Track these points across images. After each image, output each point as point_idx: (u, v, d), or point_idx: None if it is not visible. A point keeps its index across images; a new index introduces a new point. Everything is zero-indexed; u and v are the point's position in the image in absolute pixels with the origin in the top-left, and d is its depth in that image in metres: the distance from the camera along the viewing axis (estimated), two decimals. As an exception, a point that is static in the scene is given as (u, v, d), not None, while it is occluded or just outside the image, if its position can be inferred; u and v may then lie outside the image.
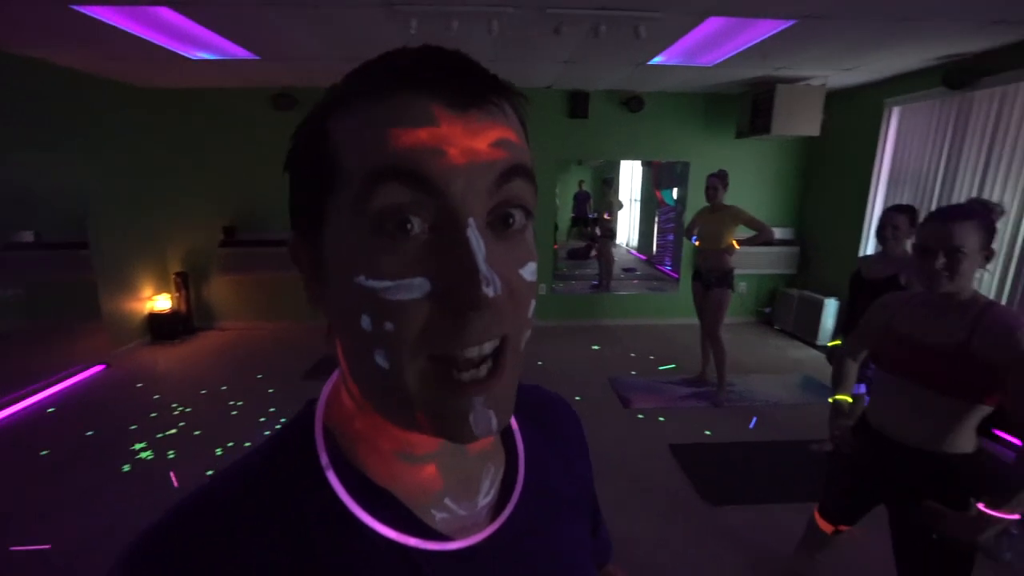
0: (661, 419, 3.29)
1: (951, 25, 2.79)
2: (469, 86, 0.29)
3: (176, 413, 3.26)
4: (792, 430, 3.11)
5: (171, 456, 2.76)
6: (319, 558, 0.32)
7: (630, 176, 9.12)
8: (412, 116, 0.27)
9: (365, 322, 0.29)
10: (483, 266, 0.27)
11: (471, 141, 0.28)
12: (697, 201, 4.57)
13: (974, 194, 3.48)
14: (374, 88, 0.29)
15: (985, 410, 1.27)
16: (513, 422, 0.45)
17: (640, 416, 3.38)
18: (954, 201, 3.62)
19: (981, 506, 1.20)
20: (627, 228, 9.42)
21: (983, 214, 1.24)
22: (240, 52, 3.40)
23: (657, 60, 3.57)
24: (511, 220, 0.30)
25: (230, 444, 2.88)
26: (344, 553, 0.33)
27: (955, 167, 3.61)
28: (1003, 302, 3.30)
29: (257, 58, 3.55)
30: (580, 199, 8.99)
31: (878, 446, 1.42)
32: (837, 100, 4.58)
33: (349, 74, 0.31)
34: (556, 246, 7.31)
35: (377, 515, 0.34)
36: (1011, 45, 3.12)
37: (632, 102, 4.75)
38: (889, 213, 2.61)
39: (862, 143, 4.40)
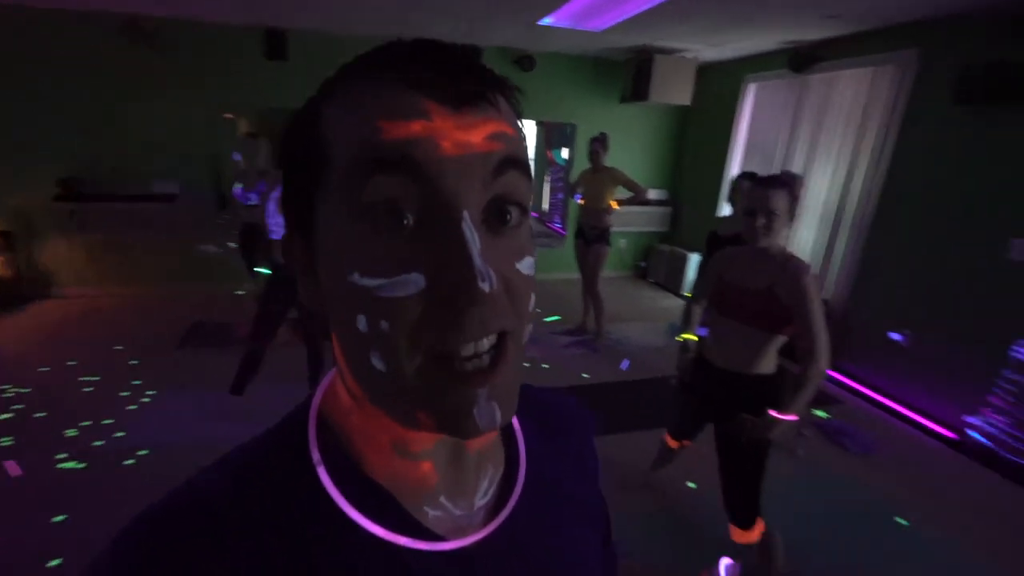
0: (545, 366, 3.55)
1: (796, 14, 3.17)
2: (464, 85, 0.28)
3: (9, 396, 2.83)
4: (658, 369, 3.53)
5: (7, 443, 2.43)
6: (309, 556, 0.31)
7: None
8: (404, 109, 0.27)
9: (361, 323, 0.28)
10: (478, 260, 0.26)
11: (465, 135, 0.27)
12: (583, 162, 4.78)
13: (803, 163, 4.06)
14: (367, 82, 0.28)
15: (782, 339, 1.60)
16: (515, 422, 0.43)
17: (526, 365, 3.62)
18: (792, 167, 4.20)
19: (772, 412, 1.54)
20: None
21: (791, 184, 1.54)
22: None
23: (547, 21, 3.61)
24: (508, 216, 0.29)
25: (86, 423, 2.60)
26: (334, 550, 0.31)
27: (794, 140, 4.17)
28: (816, 256, 3.96)
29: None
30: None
31: (708, 373, 1.74)
32: (707, 73, 5.00)
33: (342, 67, 0.30)
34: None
35: (368, 512, 0.33)
36: (840, 37, 3.62)
37: (524, 61, 4.76)
38: (737, 179, 3.00)
39: (725, 114, 4.89)
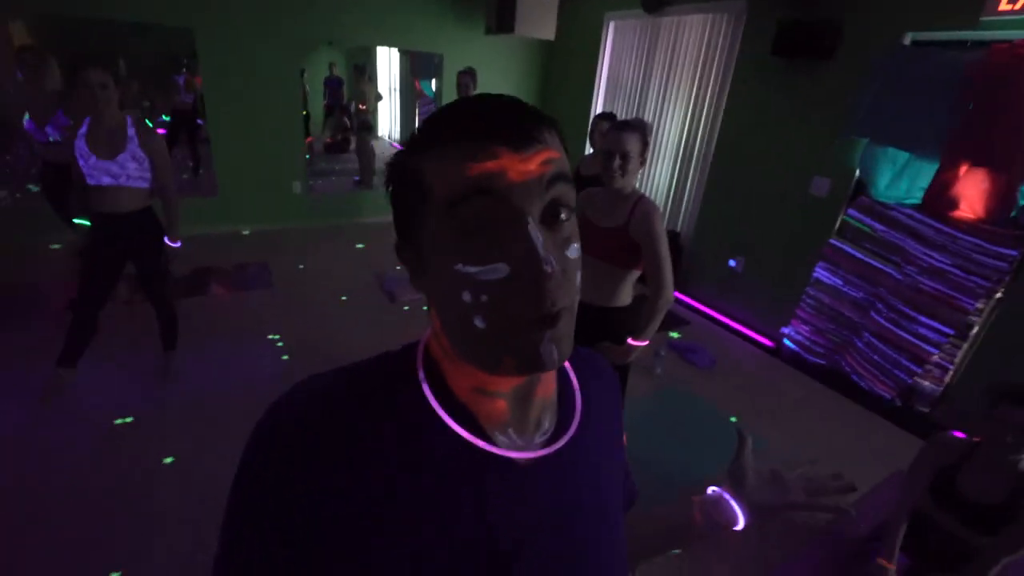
0: (425, 308, 3.57)
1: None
2: (522, 133, 0.38)
3: None
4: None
5: None
6: (412, 448, 0.42)
7: (388, 65, 8.53)
8: (482, 155, 0.37)
9: (466, 296, 0.38)
10: (542, 251, 0.37)
11: (524, 166, 0.38)
12: (451, 95, 4.63)
13: (658, 102, 4.36)
14: (453, 137, 0.38)
15: (636, 273, 1.77)
16: (575, 379, 0.54)
17: (406, 308, 3.61)
18: (647, 108, 4.48)
19: (630, 340, 1.73)
20: (388, 120, 9.00)
21: (642, 129, 1.64)
22: None
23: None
24: (560, 215, 0.40)
25: None
26: (430, 446, 0.42)
27: (648, 80, 4.42)
28: (669, 192, 4.35)
29: None
30: (332, 85, 8.09)
31: None
32: (570, 7, 4.99)
33: (433, 127, 0.40)
34: (310, 139, 6.64)
35: (457, 421, 0.43)
36: (687, -21, 3.82)
37: (378, -20, 4.35)
38: (596, 119, 3.13)
39: (588, 51, 4.97)
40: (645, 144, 1.66)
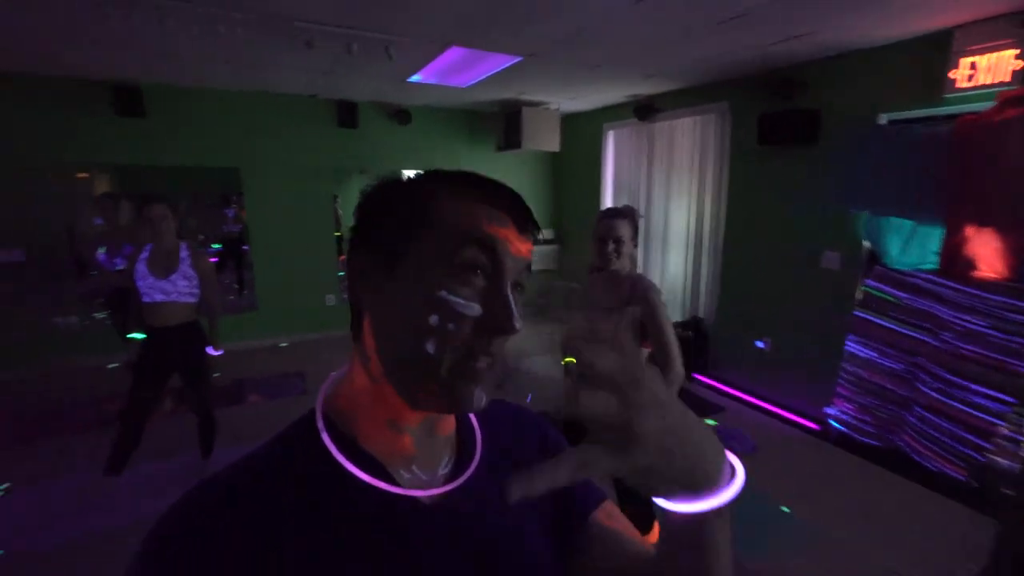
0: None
1: (625, 73, 3.64)
2: (526, 218, 0.48)
3: None
4: (562, 399, 3.66)
5: None
6: (316, 501, 0.44)
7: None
8: (497, 218, 0.45)
9: (434, 319, 0.43)
10: (516, 312, 0.44)
11: (520, 244, 0.47)
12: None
13: (664, 198, 4.57)
14: (475, 192, 0.46)
15: (644, 352, 1.76)
16: (473, 418, 0.58)
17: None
18: (654, 203, 4.69)
19: None
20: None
21: (631, 215, 1.76)
22: None
23: (416, 78, 3.82)
24: (521, 288, 0.48)
25: None
26: (334, 495, 0.44)
27: (651, 177, 4.68)
28: (685, 280, 4.39)
29: None
30: (366, 208, 8.79)
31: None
32: (572, 122, 5.49)
33: (454, 175, 0.48)
34: (343, 257, 7.13)
35: (360, 467, 0.46)
36: (670, 92, 4.21)
37: (400, 115, 4.94)
38: (600, 215, 3.27)
39: (591, 158, 5.37)
40: (635, 228, 1.78)
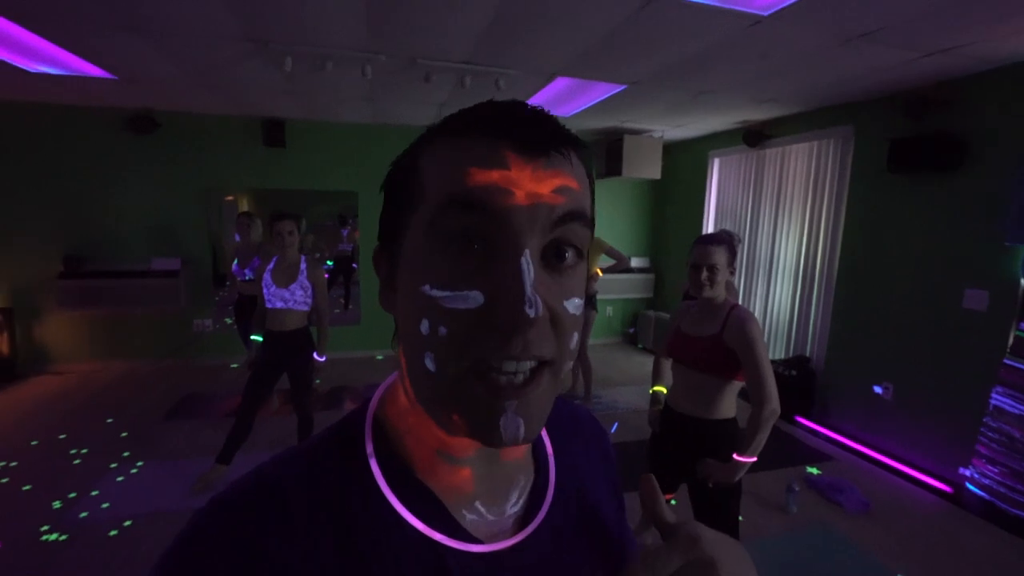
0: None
1: (737, 99, 3.55)
2: (537, 136, 0.32)
3: (-4, 470, 2.84)
4: (647, 432, 3.54)
5: (-9, 516, 2.42)
6: (359, 544, 0.34)
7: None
8: (488, 158, 0.31)
9: (424, 326, 0.32)
10: (529, 289, 0.30)
11: (536, 186, 0.31)
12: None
13: (771, 226, 4.33)
14: (459, 130, 0.33)
15: (738, 384, 1.68)
16: (545, 436, 0.46)
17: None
18: (760, 232, 4.46)
19: (734, 455, 1.59)
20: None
21: (729, 240, 1.70)
22: (93, 71, 3.22)
23: (521, 108, 4.01)
24: (565, 256, 0.34)
25: (72, 495, 2.60)
26: (379, 541, 0.34)
27: (759, 205, 4.47)
28: (792, 314, 4.10)
29: (114, 78, 3.38)
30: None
31: (671, 419, 1.80)
32: (674, 150, 5.42)
33: (443, 120, 0.35)
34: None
35: (412, 507, 0.36)
36: (784, 117, 4.02)
37: (505, 143, 5.19)
38: (695, 241, 3.21)
39: (694, 185, 5.24)
40: (733, 254, 1.70)
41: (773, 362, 3.95)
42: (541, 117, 0.34)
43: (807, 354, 3.97)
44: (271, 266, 2.75)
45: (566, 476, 0.46)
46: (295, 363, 2.80)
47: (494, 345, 0.30)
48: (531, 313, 0.30)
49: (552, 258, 0.33)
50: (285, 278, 2.72)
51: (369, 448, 0.38)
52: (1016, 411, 2.67)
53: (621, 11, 2.19)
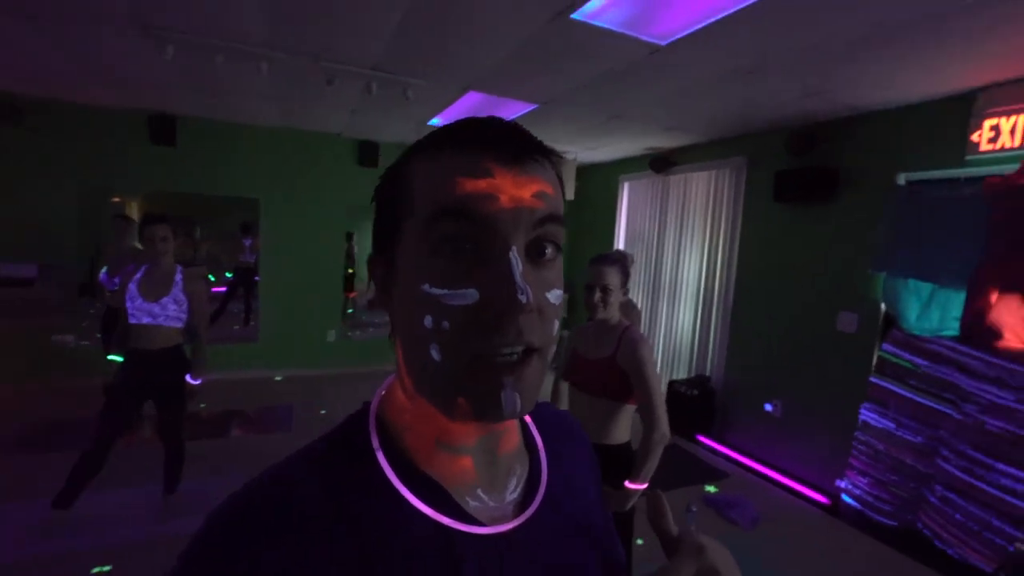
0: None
1: (645, 125, 3.70)
2: (515, 146, 0.37)
3: None
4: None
5: None
6: (369, 534, 0.37)
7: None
8: (474, 168, 0.35)
9: (428, 321, 0.36)
10: (519, 279, 0.35)
11: (518, 191, 0.36)
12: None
13: (675, 250, 4.53)
14: (444, 145, 0.37)
15: (631, 408, 1.65)
16: (534, 430, 0.51)
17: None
18: (665, 255, 4.65)
19: (626, 482, 1.55)
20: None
21: (622, 261, 1.68)
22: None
23: (435, 122, 3.93)
24: (545, 251, 0.38)
25: None
26: (392, 529, 0.37)
27: (664, 230, 4.67)
28: (694, 337, 4.28)
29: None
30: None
31: None
32: (587, 172, 5.58)
33: (431, 133, 0.39)
34: (354, 294, 7.18)
35: (419, 495, 0.39)
36: (687, 146, 4.26)
37: (420, 157, 5.07)
38: (589, 262, 3.26)
39: (606, 208, 5.41)
40: (626, 275, 1.68)
41: (676, 382, 4.09)
42: (517, 130, 0.38)
43: (707, 374, 4.15)
44: (139, 276, 2.40)
45: (559, 470, 0.49)
46: (163, 386, 2.46)
47: (491, 333, 0.35)
48: (523, 299, 0.34)
49: (534, 254, 0.37)
50: (156, 290, 2.39)
51: (375, 442, 0.41)
52: (880, 425, 2.91)
53: (528, 27, 2.18)
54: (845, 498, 3.02)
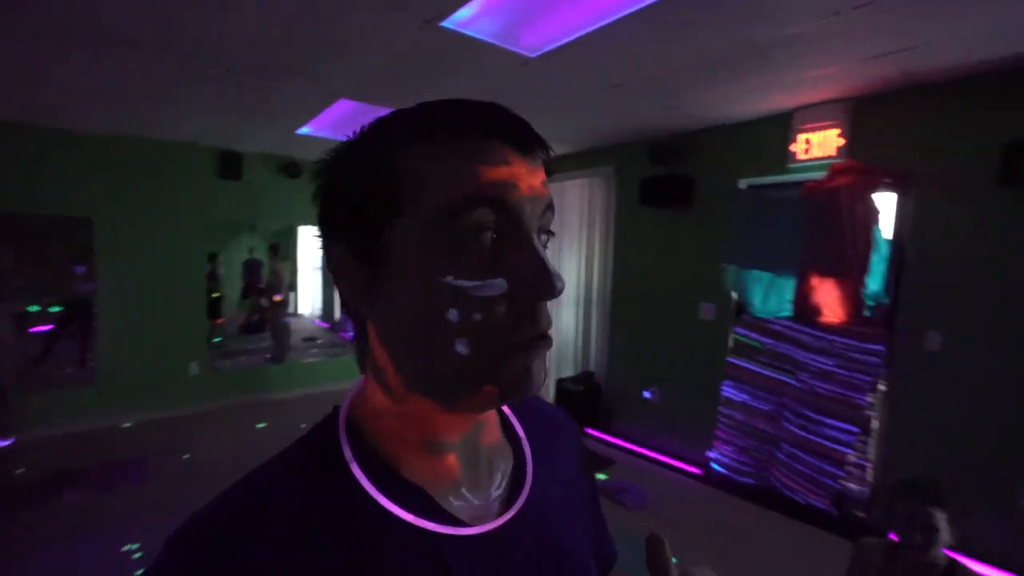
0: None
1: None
2: (529, 137, 0.37)
3: None
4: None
5: None
6: (349, 546, 0.35)
7: (311, 243, 8.91)
8: (493, 156, 0.35)
9: (452, 315, 0.34)
10: (552, 267, 0.35)
11: (532, 179, 0.36)
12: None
13: (557, 255, 4.74)
14: (452, 129, 0.35)
15: None
16: (518, 426, 0.49)
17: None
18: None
19: None
20: (310, 298, 9.11)
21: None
22: None
23: (305, 131, 3.72)
24: (546, 239, 0.40)
25: None
26: (370, 539, 0.36)
27: (545, 238, 4.87)
28: (576, 335, 4.47)
29: None
30: (251, 267, 8.26)
31: None
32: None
33: (416, 115, 0.36)
34: (221, 320, 6.48)
35: (399, 501, 0.38)
36: (563, 155, 4.51)
37: (290, 167, 4.75)
38: None
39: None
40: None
41: (563, 380, 4.29)
42: (521, 119, 0.37)
43: (591, 370, 4.39)
44: None
45: (544, 461, 0.48)
46: None
47: (525, 320, 0.35)
48: (560, 285, 0.35)
49: (541, 240, 0.38)
50: None
51: (348, 453, 0.39)
52: (738, 398, 3.30)
53: (398, 34, 2.16)
54: (714, 466, 3.38)
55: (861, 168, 2.71)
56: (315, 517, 0.36)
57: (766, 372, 3.20)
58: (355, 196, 0.37)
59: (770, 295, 3.18)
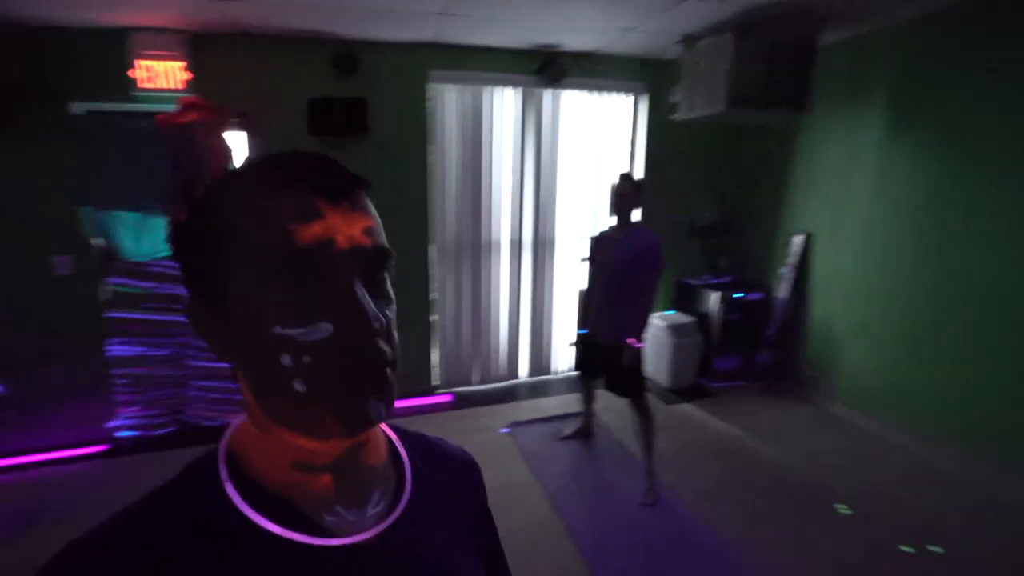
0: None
1: None
2: (339, 182, 0.38)
3: None
4: None
5: None
6: (217, 557, 0.37)
7: None
8: (303, 212, 0.37)
9: (286, 360, 0.36)
10: (370, 309, 0.38)
11: (350, 229, 0.38)
12: None
13: None
14: (264, 186, 0.38)
15: None
16: (402, 450, 0.51)
17: None
18: None
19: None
20: None
21: None
22: None
23: None
24: (378, 277, 0.41)
25: None
26: (238, 551, 0.38)
27: None
28: None
29: None
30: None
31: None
32: None
33: (236, 175, 0.39)
34: None
35: (268, 515, 0.39)
36: None
37: None
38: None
39: None
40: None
41: None
42: (335, 163, 0.39)
43: None
44: None
45: (435, 491, 0.51)
46: None
47: (357, 360, 0.37)
48: (377, 325, 0.37)
49: (370, 281, 0.40)
50: None
51: (224, 474, 0.41)
52: (132, 353, 3.03)
53: None
54: (123, 434, 3.02)
55: (209, 105, 2.86)
56: (184, 527, 0.38)
57: (157, 317, 3.06)
58: (195, 247, 0.39)
59: (143, 237, 2.98)
